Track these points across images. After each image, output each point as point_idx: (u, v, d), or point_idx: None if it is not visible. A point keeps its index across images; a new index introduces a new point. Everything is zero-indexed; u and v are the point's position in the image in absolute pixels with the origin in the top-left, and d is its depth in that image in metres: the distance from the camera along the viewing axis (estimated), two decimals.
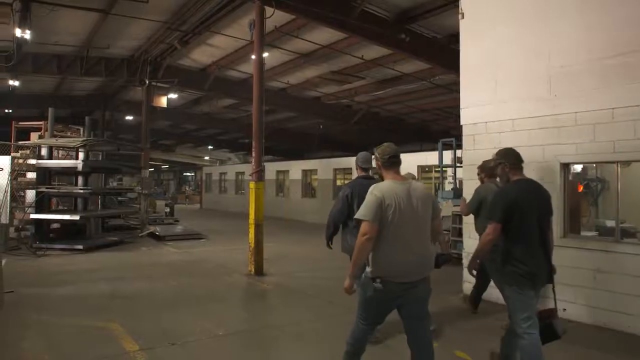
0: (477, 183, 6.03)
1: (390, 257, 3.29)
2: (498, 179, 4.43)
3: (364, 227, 3.28)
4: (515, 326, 3.75)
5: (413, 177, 5.74)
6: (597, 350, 4.99)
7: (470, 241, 7.06)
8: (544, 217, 3.87)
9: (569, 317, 5.83)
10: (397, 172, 3.53)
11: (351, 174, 19.24)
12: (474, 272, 4.25)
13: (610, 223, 6.02)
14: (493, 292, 6.71)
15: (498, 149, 4.27)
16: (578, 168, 7.45)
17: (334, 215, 5.06)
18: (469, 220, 7.11)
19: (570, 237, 6.03)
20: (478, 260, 4.21)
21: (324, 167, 21.50)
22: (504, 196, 3.87)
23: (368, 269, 3.37)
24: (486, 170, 5.62)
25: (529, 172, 6.15)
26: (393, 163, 3.52)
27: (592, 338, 5.31)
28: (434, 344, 3.56)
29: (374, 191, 3.36)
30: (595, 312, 5.65)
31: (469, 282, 7.03)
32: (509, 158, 3.96)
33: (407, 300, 3.39)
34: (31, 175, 12.31)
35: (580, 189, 7.57)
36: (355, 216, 3.46)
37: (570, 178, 6.30)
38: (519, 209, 3.71)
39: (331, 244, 5.26)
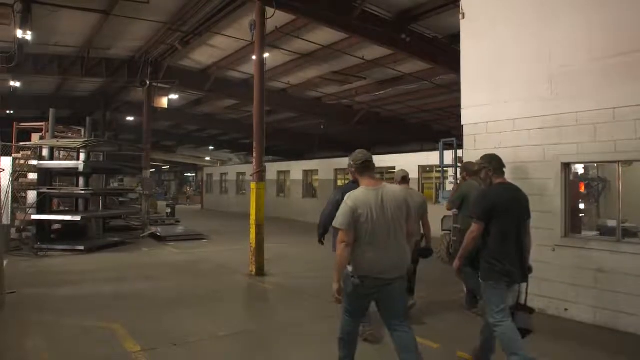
0: None
1: (368, 259, 3.55)
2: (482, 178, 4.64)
3: (340, 235, 3.54)
4: (489, 317, 4.03)
5: (405, 176, 5.97)
6: (599, 351, 4.97)
7: None
8: (521, 220, 4.16)
9: (570, 317, 5.84)
10: (371, 176, 3.75)
11: None
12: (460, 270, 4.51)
13: (612, 223, 6.00)
14: None
15: (485, 153, 4.49)
16: (579, 168, 7.44)
17: (325, 219, 5.32)
18: None
19: (571, 237, 6.02)
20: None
21: (324, 168, 21.51)
22: (485, 198, 4.20)
23: (349, 267, 3.60)
24: (468, 171, 6.17)
25: (530, 171, 6.20)
26: (366, 168, 3.74)
27: (594, 338, 5.30)
28: (435, 344, 3.58)
29: (347, 201, 3.60)
30: (597, 312, 5.63)
31: None
32: (493, 163, 4.28)
33: (383, 296, 3.64)
34: (32, 176, 12.31)
35: (582, 188, 7.56)
36: (332, 224, 3.72)
37: (571, 178, 6.29)
38: (498, 211, 4.04)
39: (323, 239, 5.57)
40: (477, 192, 4.80)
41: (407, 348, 3.63)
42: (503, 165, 4.29)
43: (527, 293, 4.23)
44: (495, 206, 4.04)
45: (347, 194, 3.68)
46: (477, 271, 4.19)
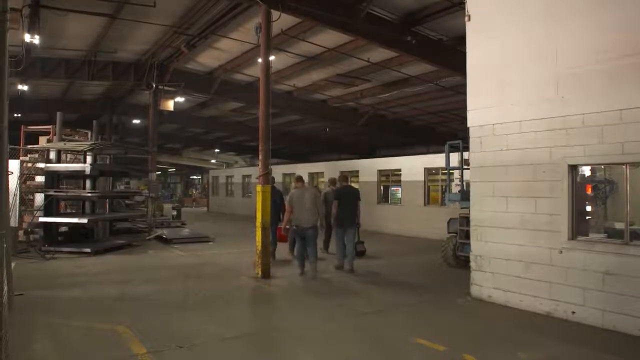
0: (483, 185, 6.87)
1: (297, 217, 8.47)
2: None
3: (287, 207, 8.69)
4: (336, 243, 9.34)
5: (303, 180, 10.27)
6: (606, 354, 4.93)
7: (478, 244, 7.05)
8: (353, 201, 9.42)
9: (578, 320, 5.80)
10: (301, 184, 8.90)
11: (357, 175, 19.22)
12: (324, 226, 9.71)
13: (619, 225, 5.95)
14: (500, 295, 6.69)
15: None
16: (586, 170, 7.40)
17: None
18: (477, 224, 7.11)
19: (578, 240, 5.99)
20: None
21: (330, 170, 21.47)
22: (337, 191, 9.58)
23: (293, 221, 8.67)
24: (333, 182, 10.84)
25: (537, 173, 6.16)
26: (297, 181, 8.97)
27: (602, 341, 5.26)
28: (442, 347, 3.59)
29: (290, 192, 8.66)
30: (605, 314, 5.59)
31: (476, 284, 7.01)
32: (341, 179, 10.09)
33: (306, 235, 8.46)
34: (40, 178, 12.39)
35: (589, 190, 7.51)
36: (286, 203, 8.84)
37: (578, 180, 6.26)
38: (341, 196, 9.30)
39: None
40: (336, 189, 9.90)
41: (309, 260, 8.53)
42: (347, 178, 9.91)
43: (359, 235, 10.00)
44: (340, 194, 9.33)
45: (291, 191, 8.69)
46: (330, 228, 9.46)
